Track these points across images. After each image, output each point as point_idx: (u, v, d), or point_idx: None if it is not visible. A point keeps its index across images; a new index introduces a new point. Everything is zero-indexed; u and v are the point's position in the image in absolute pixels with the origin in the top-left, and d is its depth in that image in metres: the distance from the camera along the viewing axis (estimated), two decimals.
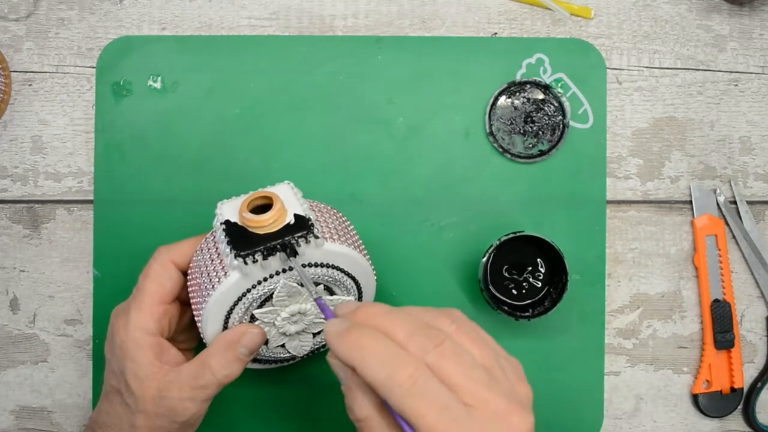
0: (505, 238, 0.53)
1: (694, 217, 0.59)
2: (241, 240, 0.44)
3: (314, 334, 0.51)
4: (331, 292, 0.49)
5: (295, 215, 0.45)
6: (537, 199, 0.58)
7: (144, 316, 0.46)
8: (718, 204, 0.59)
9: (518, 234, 0.53)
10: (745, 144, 0.59)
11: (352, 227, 0.50)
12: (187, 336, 0.52)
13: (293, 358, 0.52)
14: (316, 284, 0.48)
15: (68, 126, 0.58)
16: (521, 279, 0.56)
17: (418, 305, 0.56)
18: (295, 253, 0.44)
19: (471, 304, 0.58)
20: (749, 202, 0.59)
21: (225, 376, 0.46)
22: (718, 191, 0.59)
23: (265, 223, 0.44)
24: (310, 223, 0.44)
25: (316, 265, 0.46)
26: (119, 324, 0.46)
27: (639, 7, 0.59)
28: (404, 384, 0.35)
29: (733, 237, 0.59)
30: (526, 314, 0.54)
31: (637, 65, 0.59)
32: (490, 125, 0.58)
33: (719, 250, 0.59)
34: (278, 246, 0.43)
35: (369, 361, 0.36)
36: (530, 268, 0.56)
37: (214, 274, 0.45)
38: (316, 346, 0.52)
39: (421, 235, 0.58)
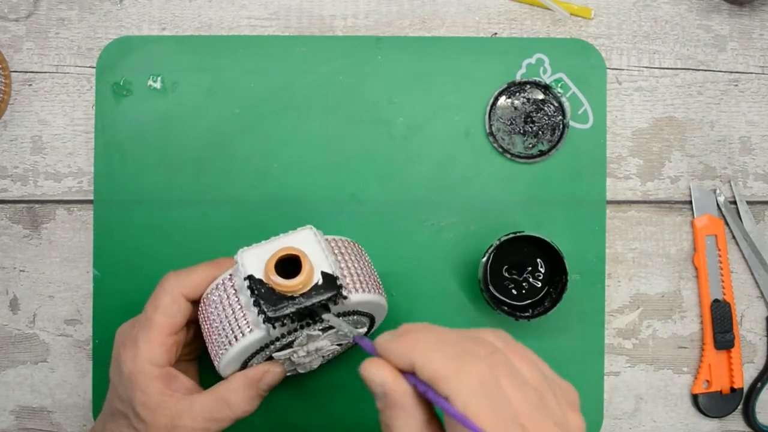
0: (505, 238, 0.53)
1: (694, 217, 0.59)
2: (267, 299, 0.42)
3: (324, 356, 0.51)
4: None
5: (323, 273, 0.43)
6: (537, 199, 0.58)
7: (153, 348, 0.45)
8: (718, 204, 0.59)
9: (518, 234, 0.53)
10: (745, 144, 0.59)
11: (369, 260, 0.50)
12: (190, 349, 0.52)
13: (296, 373, 0.52)
14: (331, 328, 0.46)
15: (68, 126, 0.58)
16: (521, 279, 0.56)
17: (418, 305, 0.57)
18: (325, 310, 0.43)
19: (471, 304, 0.58)
20: (749, 202, 0.59)
21: (244, 412, 0.46)
22: (718, 191, 0.59)
23: (295, 289, 0.42)
24: (339, 284, 0.43)
25: (339, 315, 0.45)
26: (127, 354, 0.46)
27: (639, 7, 0.59)
28: (474, 379, 0.32)
29: (733, 237, 0.59)
30: (526, 314, 0.54)
31: (637, 65, 0.59)
32: (490, 125, 0.58)
33: (719, 250, 0.59)
34: (307, 311, 0.42)
35: (434, 354, 0.34)
36: (530, 268, 0.56)
37: (237, 326, 0.44)
38: (323, 363, 0.52)
39: (421, 235, 0.58)
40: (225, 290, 0.45)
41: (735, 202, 0.59)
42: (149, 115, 0.58)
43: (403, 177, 0.58)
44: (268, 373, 0.47)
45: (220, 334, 0.45)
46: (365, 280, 0.46)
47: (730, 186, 0.59)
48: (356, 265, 0.47)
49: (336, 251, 0.46)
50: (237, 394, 0.46)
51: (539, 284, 0.56)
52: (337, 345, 0.50)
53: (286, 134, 0.58)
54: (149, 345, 0.45)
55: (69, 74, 0.58)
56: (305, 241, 0.45)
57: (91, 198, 0.58)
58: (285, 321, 0.42)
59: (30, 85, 0.58)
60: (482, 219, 0.58)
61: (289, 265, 0.43)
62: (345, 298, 0.43)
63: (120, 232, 0.57)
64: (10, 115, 0.58)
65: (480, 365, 0.33)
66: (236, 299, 0.44)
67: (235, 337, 0.44)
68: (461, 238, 0.58)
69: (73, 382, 0.58)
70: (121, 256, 0.57)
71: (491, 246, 0.53)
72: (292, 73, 0.58)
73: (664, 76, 0.59)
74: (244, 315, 0.43)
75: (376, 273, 0.50)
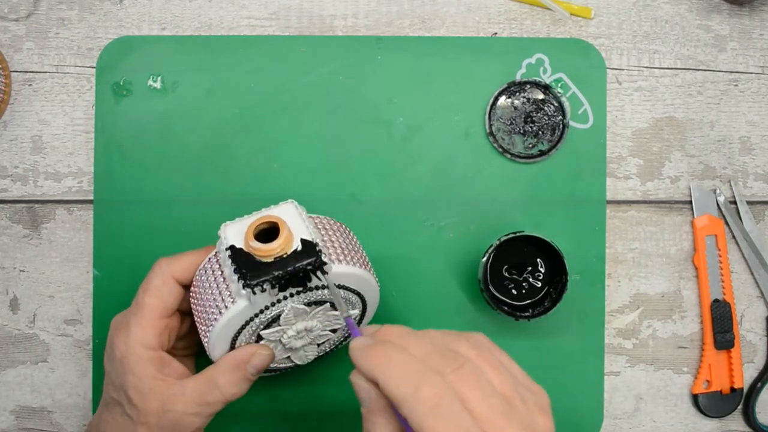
0: (505, 238, 0.53)
1: (694, 217, 0.59)
2: (248, 267, 0.43)
3: (319, 345, 0.51)
4: (335, 307, 0.48)
5: (302, 240, 0.44)
6: (537, 199, 0.58)
7: (144, 330, 0.45)
8: (718, 204, 0.59)
9: (518, 234, 0.53)
10: (745, 144, 0.59)
11: (356, 239, 0.50)
12: (186, 343, 0.52)
13: (297, 365, 0.52)
14: (322, 303, 0.47)
15: (68, 126, 0.58)
16: (521, 279, 0.56)
17: (418, 305, 0.57)
18: (306, 282, 0.43)
19: (471, 304, 0.58)
20: (749, 202, 0.59)
21: (232, 395, 0.46)
22: (718, 191, 0.59)
23: (272, 252, 0.43)
24: (318, 249, 0.43)
25: (323, 287, 0.45)
26: (119, 338, 0.46)
27: (639, 7, 0.59)
28: (428, 402, 0.34)
29: (733, 237, 0.59)
30: (526, 314, 0.54)
31: (637, 65, 0.59)
32: (490, 125, 0.58)
33: (719, 250, 0.59)
34: (287, 276, 0.43)
35: (394, 375, 0.36)
36: (530, 268, 0.56)
37: (221, 299, 0.44)
38: (320, 354, 0.52)
39: (421, 235, 0.58)
40: (211, 267, 0.46)
41: (735, 202, 0.59)
42: (149, 115, 0.58)
43: (403, 177, 0.58)
44: (256, 355, 0.46)
45: (207, 312, 0.45)
46: (349, 254, 0.47)
47: (730, 186, 0.59)
48: (340, 240, 0.47)
49: (319, 226, 0.47)
50: (225, 376, 0.46)
51: (539, 284, 0.56)
52: (331, 331, 0.50)
53: (286, 134, 0.58)
54: (141, 328, 0.46)
55: (69, 74, 0.58)
56: (286, 213, 0.46)
57: (91, 198, 0.58)
58: (265, 286, 0.42)
59: (30, 85, 0.58)
60: (482, 219, 0.58)
61: (270, 235, 0.43)
62: (324, 263, 0.43)
63: (120, 232, 0.57)
64: (10, 115, 0.58)
65: (436, 387, 0.35)
66: (220, 272, 0.45)
67: (220, 311, 0.44)
68: (461, 238, 0.58)
69: (73, 382, 0.58)
70: (121, 256, 0.57)
71: (491, 246, 0.53)
72: (292, 73, 0.58)
73: (664, 76, 0.59)
74: (228, 287, 0.44)
75: (363, 252, 0.50)
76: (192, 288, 0.47)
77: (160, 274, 0.47)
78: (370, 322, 0.53)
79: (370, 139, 0.58)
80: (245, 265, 0.43)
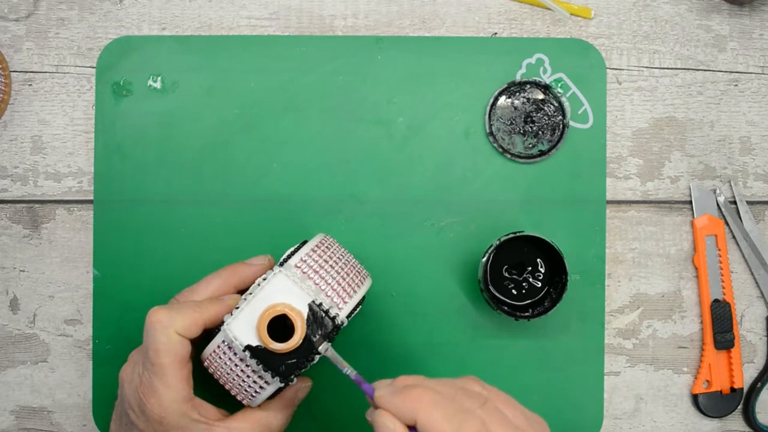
0: (505, 238, 0.53)
1: (694, 217, 0.59)
2: (271, 360, 0.45)
3: None
4: None
5: (309, 308, 0.45)
6: (537, 199, 0.58)
7: (174, 389, 0.45)
8: (718, 204, 0.59)
9: (518, 234, 0.53)
10: (745, 144, 0.59)
11: (344, 250, 0.50)
12: None
13: None
14: None
15: (68, 126, 0.58)
16: (521, 279, 0.56)
17: (418, 305, 0.57)
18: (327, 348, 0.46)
19: (471, 304, 0.58)
20: (749, 202, 0.59)
21: (280, 431, 0.48)
22: (718, 191, 0.59)
23: (294, 347, 0.44)
24: (331, 315, 0.45)
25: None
26: (150, 401, 0.45)
27: (639, 7, 0.59)
28: None
29: (733, 237, 0.59)
30: (526, 314, 0.54)
31: (637, 65, 0.59)
32: (490, 125, 0.58)
33: (719, 250, 0.59)
34: (316, 355, 0.45)
35: (436, 415, 0.38)
36: (530, 268, 0.56)
37: (252, 381, 0.46)
38: None
39: (421, 235, 0.58)
40: (227, 355, 0.46)
41: (735, 202, 0.59)
42: (149, 115, 0.58)
43: (403, 177, 0.58)
44: (301, 389, 0.50)
45: (239, 386, 0.47)
46: (349, 282, 0.48)
47: (730, 186, 0.59)
48: (333, 273, 0.48)
49: (312, 275, 0.47)
50: (277, 417, 0.48)
51: (539, 284, 0.56)
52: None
53: (286, 134, 0.58)
54: (170, 388, 0.45)
55: (69, 74, 0.58)
56: (283, 290, 0.46)
57: (91, 198, 0.58)
58: (298, 373, 0.45)
59: (30, 85, 0.58)
60: (482, 219, 0.58)
61: (278, 322, 0.45)
62: (341, 324, 0.45)
63: (120, 232, 0.57)
64: (10, 115, 0.58)
65: (475, 422, 0.38)
66: (244, 364, 0.46)
67: (256, 391, 0.46)
68: (461, 238, 0.58)
69: (73, 382, 0.58)
70: (121, 256, 0.57)
71: (491, 246, 0.53)
72: (292, 73, 0.58)
73: (664, 76, 0.59)
74: (260, 376, 0.46)
75: (354, 260, 0.50)
76: (209, 364, 0.47)
77: (163, 333, 0.45)
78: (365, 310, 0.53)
79: (370, 139, 0.58)
80: (269, 359, 0.45)
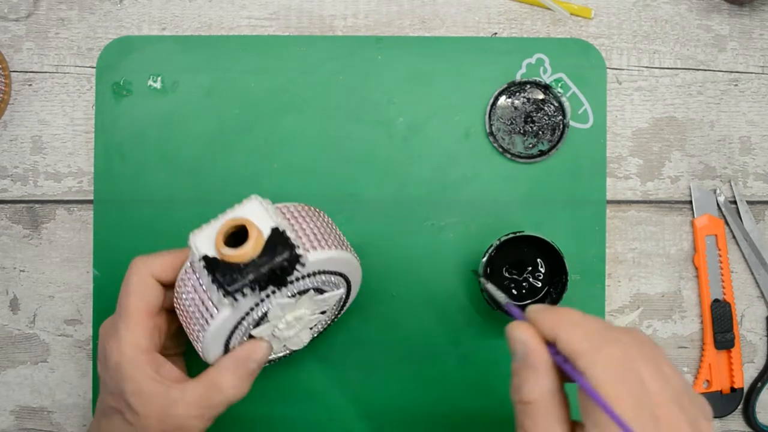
0: (505, 238, 0.53)
1: (694, 217, 0.59)
2: (225, 273, 0.42)
3: (311, 328, 0.51)
4: (321, 292, 0.48)
5: (272, 235, 0.43)
6: (537, 199, 0.58)
7: (135, 333, 0.45)
8: (718, 204, 0.59)
9: (518, 234, 0.53)
10: (745, 144, 0.59)
11: (330, 221, 0.50)
12: (174, 342, 0.51)
13: (294, 351, 0.52)
14: (305, 291, 0.47)
15: (68, 126, 0.58)
16: (521, 279, 0.56)
17: (419, 305, 0.57)
18: (287, 274, 0.43)
19: (471, 304, 0.58)
20: (749, 202, 0.59)
21: (235, 395, 0.46)
22: (718, 191, 0.59)
23: (245, 257, 0.42)
24: (290, 243, 0.43)
25: (303, 276, 0.45)
26: (111, 345, 0.45)
27: (639, 7, 0.59)
28: (611, 360, 0.34)
29: (733, 237, 0.59)
30: None
31: (637, 65, 0.59)
32: (490, 125, 0.58)
33: (719, 250, 0.59)
34: (264, 277, 0.42)
35: (578, 332, 0.36)
36: (530, 268, 0.56)
37: (205, 308, 0.44)
38: (314, 335, 0.52)
39: (421, 235, 0.58)
40: (188, 277, 0.45)
41: (735, 202, 0.59)
42: (149, 115, 0.58)
43: (403, 177, 0.58)
44: (255, 349, 0.46)
45: (195, 321, 0.45)
46: (323, 237, 0.46)
47: (730, 186, 0.59)
48: (311, 225, 0.46)
49: (288, 216, 0.46)
50: (227, 377, 0.45)
51: (539, 284, 0.56)
52: (321, 313, 0.50)
53: (286, 134, 0.58)
54: (130, 331, 0.45)
55: (69, 74, 0.58)
56: (252, 211, 0.45)
57: (91, 198, 0.58)
58: (245, 291, 0.42)
59: (30, 85, 0.58)
60: (482, 219, 0.58)
61: (241, 237, 0.43)
62: (299, 256, 0.43)
63: (120, 232, 0.57)
64: (10, 115, 0.58)
65: (619, 349, 0.35)
66: (199, 283, 0.44)
67: (206, 320, 0.44)
68: (461, 238, 0.58)
69: (73, 382, 0.59)
70: (121, 256, 0.57)
71: (491, 246, 0.53)
72: (292, 73, 0.58)
73: (664, 76, 0.59)
74: (209, 297, 0.44)
75: (339, 232, 0.49)
76: (176, 297, 0.47)
77: (137, 274, 0.46)
78: (355, 302, 0.53)
79: (370, 139, 0.58)
80: (222, 272, 0.42)
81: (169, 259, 0.47)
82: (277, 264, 0.42)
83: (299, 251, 0.43)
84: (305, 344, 0.52)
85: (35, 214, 0.58)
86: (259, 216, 0.44)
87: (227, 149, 0.58)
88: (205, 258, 0.43)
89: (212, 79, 0.58)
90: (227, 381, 0.45)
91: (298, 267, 0.43)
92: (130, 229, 0.57)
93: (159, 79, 0.58)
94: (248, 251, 0.42)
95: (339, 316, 0.54)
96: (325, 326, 0.53)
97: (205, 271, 0.43)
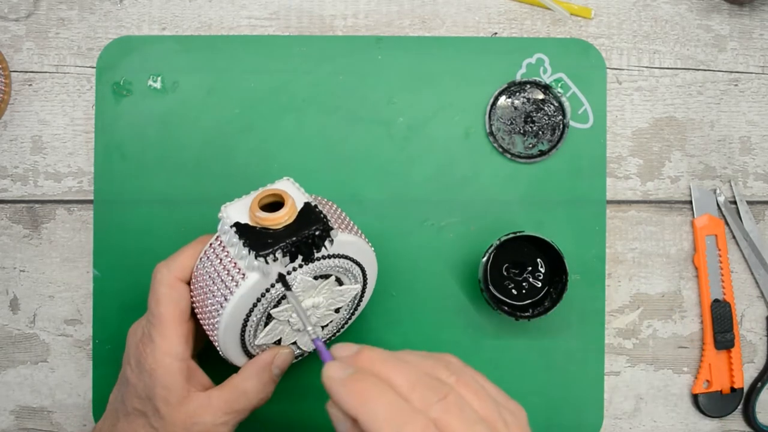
0: (505, 238, 0.53)
1: (694, 217, 0.59)
2: (256, 240, 0.43)
3: (323, 327, 0.52)
4: (340, 282, 0.49)
5: (306, 209, 0.45)
6: (537, 199, 0.58)
7: (170, 341, 0.45)
8: (718, 204, 0.59)
9: (518, 234, 0.53)
10: (745, 144, 0.59)
11: (347, 216, 0.51)
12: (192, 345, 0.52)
13: (301, 354, 0.52)
14: (327, 276, 0.47)
15: (68, 126, 0.58)
16: (521, 279, 0.56)
17: (419, 305, 0.57)
18: (316, 247, 0.44)
19: (471, 304, 0.58)
20: (749, 202, 0.59)
21: (259, 400, 0.47)
22: (718, 191, 0.59)
23: (281, 220, 0.43)
24: (322, 215, 0.44)
25: (329, 256, 0.46)
26: (146, 351, 0.45)
27: (639, 7, 0.59)
28: None
29: (733, 237, 0.59)
30: (526, 314, 0.54)
31: (637, 65, 0.59)
32: (490, 125, 0.58)
33: (719, 250, 0.59)
34: (297, 243, 0.43)
35: (375, 415, 0.34)
36: (530, 268, 0.56)
37: (230, 279, 0.44)
38: (325, 338, 0.53)
39: (421, 235, 0.58)
40: (213, 251, 0.45)
41: (735, 202, 0.59)
42: (149, 115, 0.58)
43: (403, 177, 0.58)
44: (278, 355, 0.48)
45: (214, 297, 0.45)
46: (347, 224, 0.48)
47: (730, 186, 0.59)
48: (334, 213, 0.48)
49: (315, 201, 0.47)
50: (251, 382, 0.46)
51: (539, 284, 0.56)
52: (334, 311, 0.50)
53: (286, 134, 0.58)
54: (166, 338, 0.45)
55: (69, 74, 0.58)
56: (285, 186, 0.47)
57: (91, 198, 0.58)
58: (277, 255, 0.43)
59: (30, 85, 0.58)
60: (482, 219, 0.58)
61: (273, 209, 0.44)
62: (331, 228, 0.44)
63: (120, 232, 0.57)
64: (10, 115, 0.58)
65: (417, 425, 0.34)
66: (225, 254, 0.45)
67: (230, 290, 0.44)
68: (461, 238, 0.58)
69: (73, 382, 0.58)
70: (121, 256, 0.57)
71: (491, 246, 0.53)
72: (292, 73, 0.58)
73: (664, 76, 0.59)
74: (235, 265, 0.44)
75: (355, 225, 0.50)
76: (193, 281, 0.47)
77: (164, 281, 0.46)
78: (371, 301, 0.53)
79: (370, 139, 0.58)
80: (252, 238, 0.43)
81: (190, 254, 0.47)
82: (309, 234, 0.44)
83: (332, 224, 0.44)
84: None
85: (35, 214, 0.58)
86: (293, 192, 0.46)
87: (227, 149, 0.58)
88: (237, 224, 0.44)
89: (212, 79, 0.58)
90: (252, 386, 0.46)
91: (326, 243, 0.44)
92: (130, 229, 0.57)
93: (159, 79, 0.58)
94: (283, 215, 0.43)
95: (351, 320, 0.54)
96: (338, 329, 0.54)
97: (235, 239, 0.43)
